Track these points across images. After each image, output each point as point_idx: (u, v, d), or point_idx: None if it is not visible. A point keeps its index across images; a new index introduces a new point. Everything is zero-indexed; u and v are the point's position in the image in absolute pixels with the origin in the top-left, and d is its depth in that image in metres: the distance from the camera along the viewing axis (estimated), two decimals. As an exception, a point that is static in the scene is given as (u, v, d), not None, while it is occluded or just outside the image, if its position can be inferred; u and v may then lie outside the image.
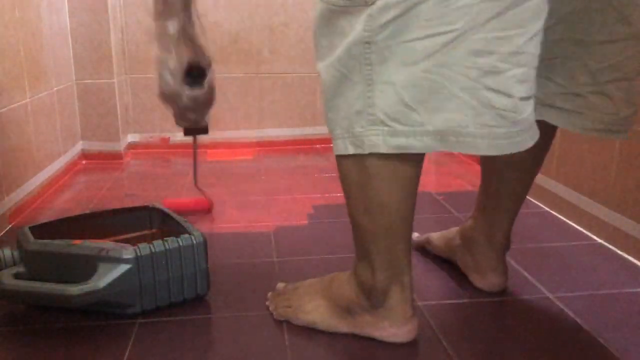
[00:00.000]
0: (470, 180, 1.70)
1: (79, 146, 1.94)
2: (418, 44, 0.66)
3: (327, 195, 1.58)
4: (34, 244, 0.97)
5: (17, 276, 0.95)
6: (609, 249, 1.21)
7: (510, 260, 1.15)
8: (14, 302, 0.98)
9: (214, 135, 2.13)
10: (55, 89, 1.72)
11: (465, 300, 1.00)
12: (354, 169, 0.77)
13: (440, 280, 1.07)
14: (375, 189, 0.76)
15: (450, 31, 0.64)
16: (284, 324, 0.93)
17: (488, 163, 0.98)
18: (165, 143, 2.12)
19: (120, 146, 1.98)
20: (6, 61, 1.37)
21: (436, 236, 1.16)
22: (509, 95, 0.66)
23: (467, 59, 0.65)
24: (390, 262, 0.82)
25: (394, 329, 0.85)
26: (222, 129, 2.13)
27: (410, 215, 0.80)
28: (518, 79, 0.66)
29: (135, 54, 2.05)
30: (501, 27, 0.64)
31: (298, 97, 2.14)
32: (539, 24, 0.66)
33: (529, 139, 0.70)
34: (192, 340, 0.89)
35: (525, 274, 1.09)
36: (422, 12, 0.64)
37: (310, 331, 0.91)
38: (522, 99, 0.67)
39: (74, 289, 0.88)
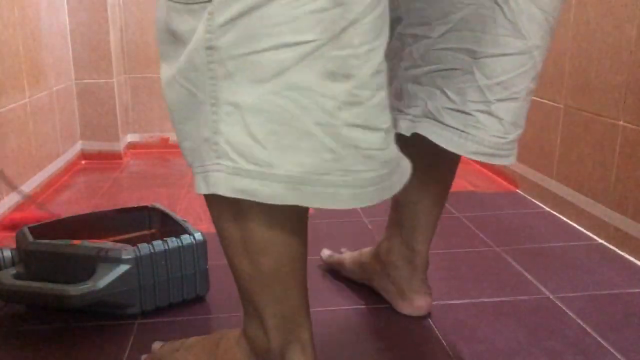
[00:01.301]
0: (471, 180, 1.70)
1: (78, 146, 1.94)
2: (266, 57, 0.52)
3: (327, 195, 1.58)
4: (33, 244, 0.96)
5: (16, 276, 0.95)
6: (610, 249, 1.21)
7: (511, 260, 1.15)
8: (13, 302, 0.98)
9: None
10: (54, 88, 1.71)
11: (465, 301, 1.00)
12: (223, 203, 0.61)
13: (440, 281, 1.07)
14: (252, 228, 0.60)
15: (303, 43, 0.51)
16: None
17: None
18: (164, 143, 2.12)
19: (120, 146, 1.98)
20: (5, 61, 1.37)
21: (349, 259, 1.07)
22: (375, 129, 0.54)
23: (322, 83, 0.52)
24: (284, 315, 0.66)
25: None
26: (222, 128, 2.13)
27: (301, 254, 0.65)
28: (382, 106, 0.55)
29: (135, 54, 2.05)
30: (359, 42, 0.52)
31: (298, 97, 2.13)
32: (387, 33, 0.55)
33: (400, 179, 0.59)
34: (192, 341, 0.89)
35: (526, 274, 1.09)
36: (270, 14, 0.50)
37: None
38: (388, 129, 0.56)
39: (74, 289, 0.88)
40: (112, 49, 1.91)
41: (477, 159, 0.78)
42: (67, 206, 1.51)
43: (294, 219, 0.62)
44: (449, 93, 0.77)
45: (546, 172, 1.47)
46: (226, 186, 0.55)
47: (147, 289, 0.94)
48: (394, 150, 0.57)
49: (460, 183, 1.68)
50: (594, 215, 1.27)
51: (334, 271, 1.10)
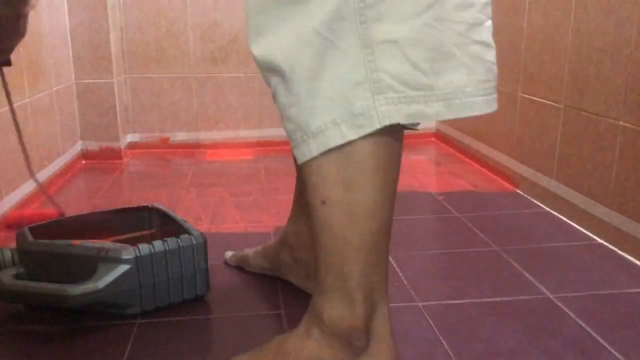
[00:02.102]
0: (471, 180, 1.70)
1: (78, 146, 1.94)
2: None
3: (327, 195, 1.58)
4: (33, 244, 0.97)
5: (16, 276, 0.95)
6: (610, 249, 1.21)
7: (510, 260, 1.15)
8: (13, 302, 0.98)
9: (214, 135, 2.14)
10: (54, 88, 1.71)
11: (465, 300, 1.00)
12: (338, 164, 0.64)
13: (441, 280, 1.07)
14: (365, 192, 0.65)
15: None
16: (285, 325, 0.93)
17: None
18: (165, 143, 2.12)
19: (120, 146, 1.98)
20: (5, 61, 1.37)
21: (252, 254, 1.11)
22: (491, 46, 0.66)
23: (455, 13, 0.62)
24: (371, 287, 0.67)
25: None
26: (222, 129, 2.13)
27: (391, 217, 0.69)
28: (490, 30, 0.66)
29: (135, 54, 2.05)
30: None
31: (298, 97, 2.13)
32: None
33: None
34: (192, 341, 0.89)
35: (526, 274, 1.09)
36: None
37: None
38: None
39: (74, 290, 0.88)
40: (112, 49, 1.91)
41: None
42: (67, 206, 1.51)
43: (394, 175, 0.68)
44: None
45: (546, 172, 1.47)
46: (398, 115, 0.62)
47: (147, 289, 0.94)
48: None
49: (459, 183, 1.68)
50: (594, 216, 1.27)
51: (242, 269, 1.13)
